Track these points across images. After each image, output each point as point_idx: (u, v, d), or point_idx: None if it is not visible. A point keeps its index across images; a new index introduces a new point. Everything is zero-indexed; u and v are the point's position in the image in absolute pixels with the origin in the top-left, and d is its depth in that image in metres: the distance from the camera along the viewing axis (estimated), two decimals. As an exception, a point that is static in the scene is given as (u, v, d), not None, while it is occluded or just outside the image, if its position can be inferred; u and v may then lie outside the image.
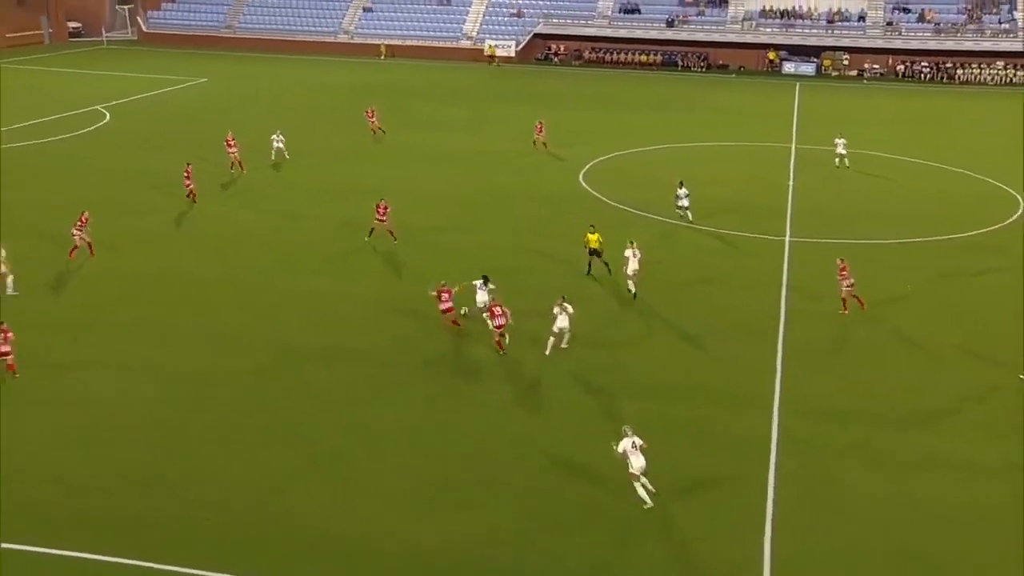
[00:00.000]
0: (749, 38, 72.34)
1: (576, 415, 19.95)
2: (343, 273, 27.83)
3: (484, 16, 78.40)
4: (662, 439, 18.34)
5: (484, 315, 22.93)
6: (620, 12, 76.19)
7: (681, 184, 32.81)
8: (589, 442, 18.52)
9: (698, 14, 74.83)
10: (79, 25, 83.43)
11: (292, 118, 49.11)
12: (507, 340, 22.57)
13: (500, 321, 22.32)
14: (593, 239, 26.96)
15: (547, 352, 22.17)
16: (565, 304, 22.33)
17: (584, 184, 37.66)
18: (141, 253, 29.03)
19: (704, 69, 73.12)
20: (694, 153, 44.45)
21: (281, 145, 40.20)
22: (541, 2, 78.20)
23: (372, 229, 29.64)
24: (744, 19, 73.50)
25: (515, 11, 77.71)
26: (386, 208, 29.61)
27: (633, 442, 16.83)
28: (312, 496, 16.83)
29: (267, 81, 63.64)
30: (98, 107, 52.23)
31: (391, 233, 29.68)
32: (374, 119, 45.57)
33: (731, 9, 75.07)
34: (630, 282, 25.72)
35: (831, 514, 16.70)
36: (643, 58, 74.41)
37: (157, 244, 29.82)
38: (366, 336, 23.58)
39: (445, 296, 23.21)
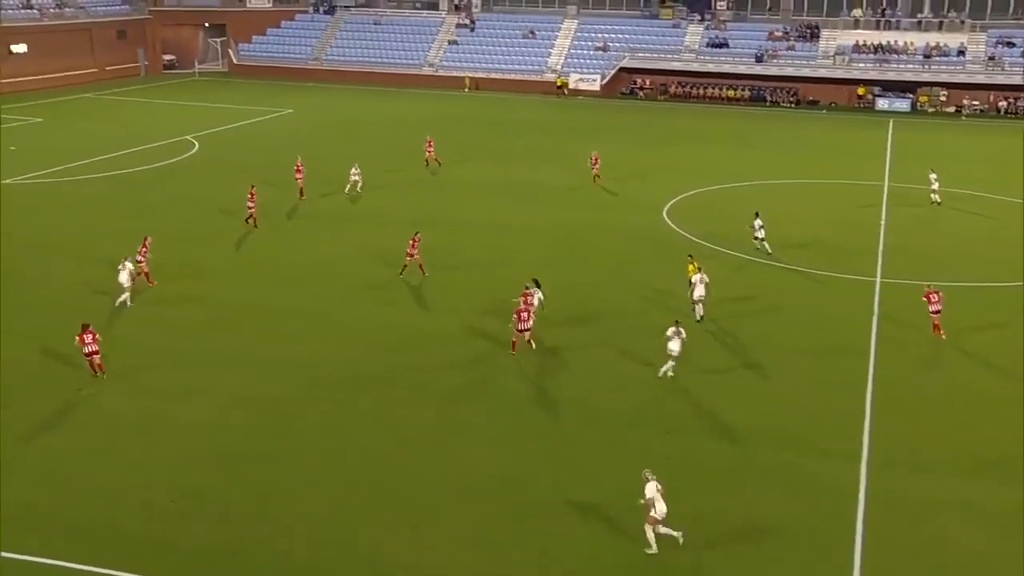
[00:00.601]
0: (840, 73, 71.27)
1: (659, 459, 19.16)
2: (413, 304, 28.07)
3: (569, 49, 79.03)
4: (739, 483, 17.83)
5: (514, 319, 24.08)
6: (707, 46, 75.92)
7: (757, 215, 33.62)
8: (672, 491, 17.27)
9: (788, 48, 74.06)
10: (173, 57, 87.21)
11: (372, 149, 50.16)
12: (533, 345, 23.98)
13: (526, 325, 23.72)
14: (693, 270, 27.27)
15: (660, 374, 22.76)
16: (680, 328, 22.94)
17: (667, 220, 37.68)
18: (212, 281, 29.76)
19: (793, 105, 72.31)
20: (782, 190, 44.14)
21: (357, 178, 40.75)
22: (627, 36, 78.49)
23: (404, 266, 29.45)
24: (836, 53, 72.44)
25: (600, 45, 78.12)
26: (416, 242, 29.41)
27: (657, 486, 16.43)
28: (389, 530, 16.78)
29: (351, 112, 65.10)
30: (188, 137, 54.17)
31: (421, 268, 29.72)
32: (431, 150, 46.20)
33: (822, 44, 74.06)
34: (697, 307, 26.23)
35: (926, 574, 15.98)
36: (730, 93, 73.97)
37: (229, 272, 30.60)
38: (444, 370, 23.63)
39: (524, 315, 23.76)
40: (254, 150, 50.32)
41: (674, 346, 22.59)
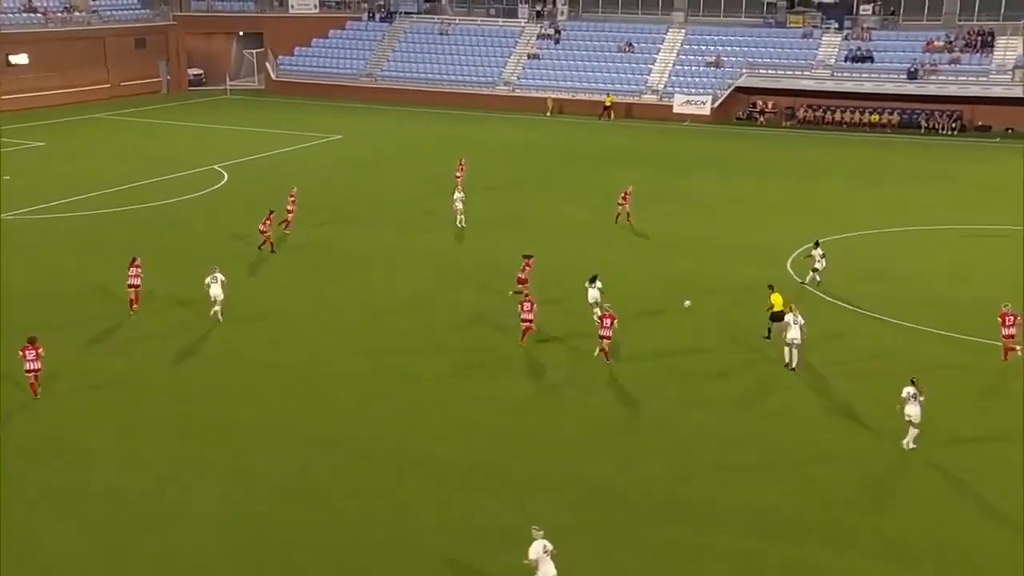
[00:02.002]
0: (1021, 92, 70.22)
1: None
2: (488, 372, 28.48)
3: (674, 65, 79.82)
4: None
5: (594, 318, 29.38)
6: (847, 60, 75.74)
7: (817, 244, 36.40)
8: None
9: (951, 62, 73.40)
10: (200, 72, 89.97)
11: (435, 183, 51.18)
12: (610, 351, 28.58)
13: (606, 333, 28.41)
14: (778, 301, 30.06)
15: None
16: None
17: (792, 274, 37.83)
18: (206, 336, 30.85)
19: (956, 131, 71.50)
20: (941, 239, 43.99)
21: (460, 206, 43.42)
22: (745, 48, 78.93)
23: (514, 291, 33.20)
24: (1016, 67, 71.49)
25: (713, 59, 78.61)
26: (528, 266, 34.09)
27: (544, 545, 17.48)
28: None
29: (409, 139, 66.34)
30: (216, 166, 55.78)
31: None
32: (461, 174, 48.70)
33: (997, 54, 73.31)
34: (788, 351, 28.27)
35: None
36: (875, 118, 73.51)
37: (284, 317, 31.84)
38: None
39: (527, 307, 29.66)
40: (294, 182, 50.89)
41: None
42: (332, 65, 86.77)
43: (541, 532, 17.70)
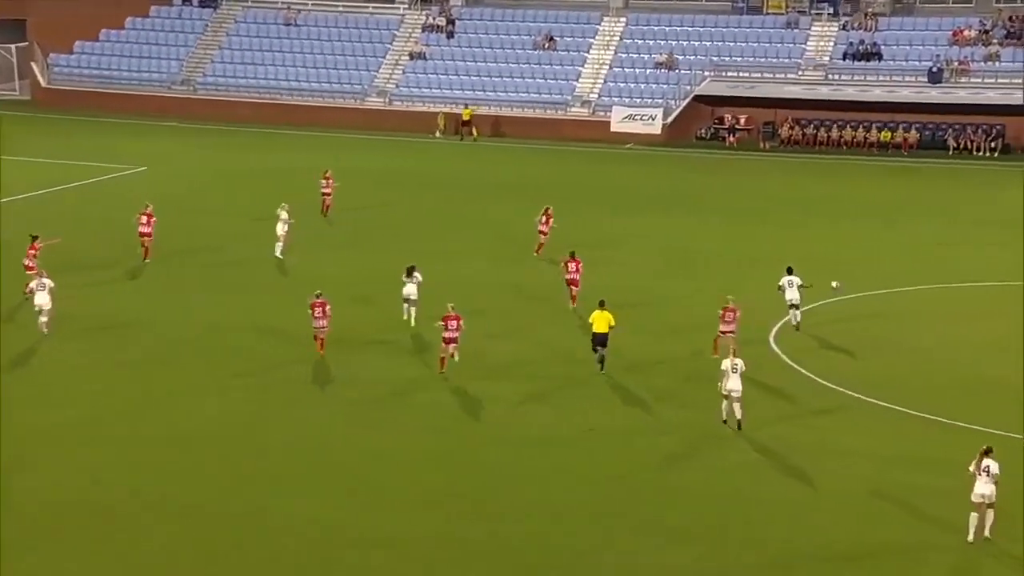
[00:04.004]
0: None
1: None
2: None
3: (611, 67, 79.79)
4: None
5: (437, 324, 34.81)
6: (846, 58, 76.26)
7: (790, 271, 39.41)
8: None
9: (987, 59, 73.96)
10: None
11: (263, 228, 49.61)
12: (456, 358, 34.24)
13: (451, 335, 34.06)
14: (600, 321, 34.92)
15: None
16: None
17: (777, 349, 38.39)
18: None
19: (996, 152, 72.03)
20: (978, 300, 44.18)
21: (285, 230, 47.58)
22: (707, 43, 79.29)
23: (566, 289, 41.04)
24: (1078, 64, 72.25)
25: (663, 58, 78.55)
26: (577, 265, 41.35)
27: None
28: None
29: (239, 172, 64.99)
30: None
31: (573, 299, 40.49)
32: (329, 189, 54.09)
33: (1049, 50, 74.20)
34: (727, 405, 31.53)
35: None
36: (886, 136, 73.83)
37: None
38: None
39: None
40: (76, 236, 48.80)
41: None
42: (130, 67, 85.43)
43: None
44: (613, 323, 34.88)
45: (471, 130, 76.51)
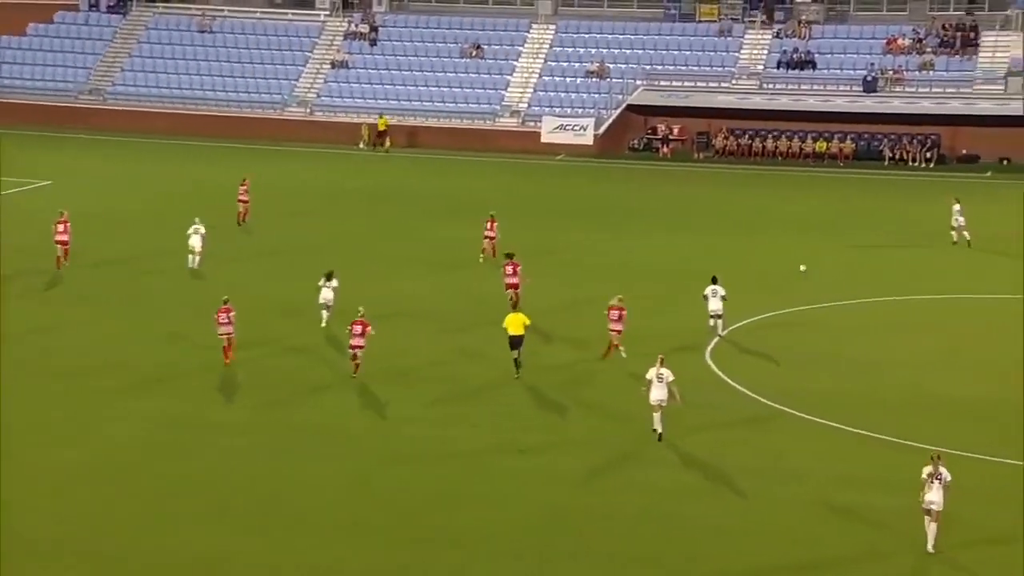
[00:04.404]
0: (1020, 108, 71.75)
1: None
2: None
3: (541, 76, 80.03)
4: None
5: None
6: (780, 67, 76.90)
7: (715, 280, 40.31)
8: None
9: (922, 68, 74.89)
10: None
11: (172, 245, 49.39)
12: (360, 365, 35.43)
13: (358, 341, 35.28)
14: (514, 323, 36.02)
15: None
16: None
17: (712, 364, 38.55)
18: None
19: (931, 163, 72.88)
20: (913, 311, 44.73)
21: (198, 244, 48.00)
22: (639, 52, 79.66)
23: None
24: (1010, 74, 73.15)
25: (594, 66, 78.81)
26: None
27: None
28: None
29: (153, 186, 64.43)
30: None
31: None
32: (246, 197, 55.09)
33: (983, 57, 75.09)
34: (659, 416, 31.87)
35: None
36: (821, 146, 74.44)
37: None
38: None
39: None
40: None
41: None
42: (34, 76, 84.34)
43: None
44: (528, 323, 36.04)
45: (385, 140, 76.38)
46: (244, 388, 35.47)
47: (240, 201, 55.04)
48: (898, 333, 42.00)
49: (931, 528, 25.80)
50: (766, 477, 29.96)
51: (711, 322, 40.08)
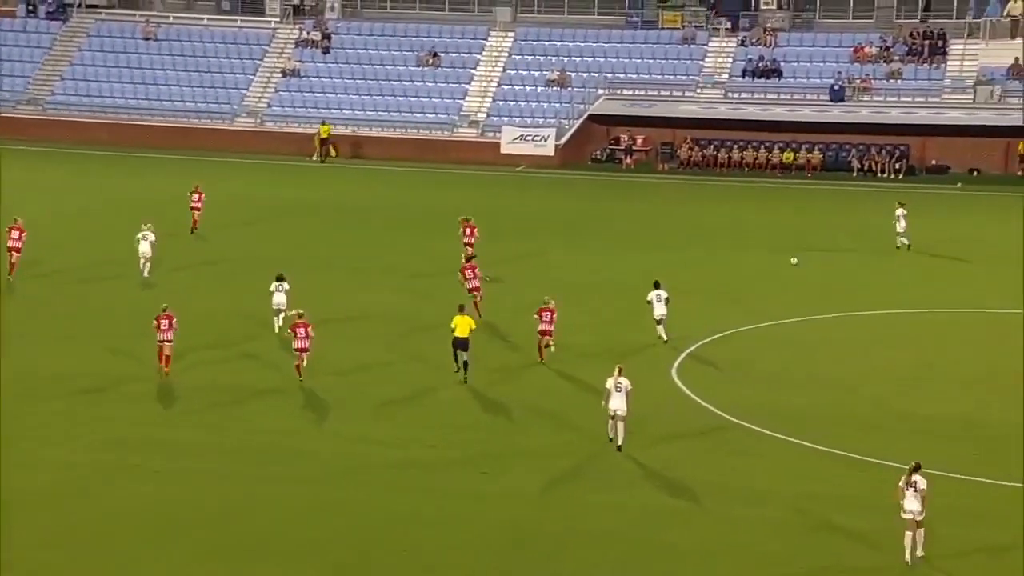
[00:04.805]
0: (988, 117, 72.40)
1: None
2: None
3: (499, 84, 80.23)
4: None
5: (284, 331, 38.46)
6: (745, 75, 77.19)
7: (657, 285, 41.16)
8: None
9: (890, 76, 75.36)
10: None
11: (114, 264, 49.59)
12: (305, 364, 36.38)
13: (302, 344, 36.25)
14: (462, 325, 36.95)
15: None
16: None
17: (679, 382, 38.61)
18: None
19: (900, 174, 73.33)
20: (883, 326, 44.96)
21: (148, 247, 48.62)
22: (602, 59, 79.85)
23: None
24: (978, 83, 73.68)
25: (555, 75, 78.96)
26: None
27: None
28: None
29: (96, 200, 64.22)
30: None
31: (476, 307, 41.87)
32: (199, 205, 56.34)
33: (951, 65, 75.59)
34: (614, 425, 32.53)
35: None
36: (788, 157, 74.76)
37: None
38: None
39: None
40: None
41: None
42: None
43: None
44: (474, 326, 37.32)
45: (329, 150, 76.27)
46: (192, 399, 35.62)
47: (193, 208, 55.81)
48: (868, 348, 42.22)
49: (908, 538, 26.26)
50: (731, 495, 30.03)
51: (658, 327, 40.92)
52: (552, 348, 38.76)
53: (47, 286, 47.79)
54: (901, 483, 26.58)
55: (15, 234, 47.92)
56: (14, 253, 47.72)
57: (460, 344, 36.72)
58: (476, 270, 43.47)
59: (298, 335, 36.23)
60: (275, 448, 32.34)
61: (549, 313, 38.61)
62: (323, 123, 76.88)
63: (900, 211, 54.52)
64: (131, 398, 35.83)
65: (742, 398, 36.61)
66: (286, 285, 40.95)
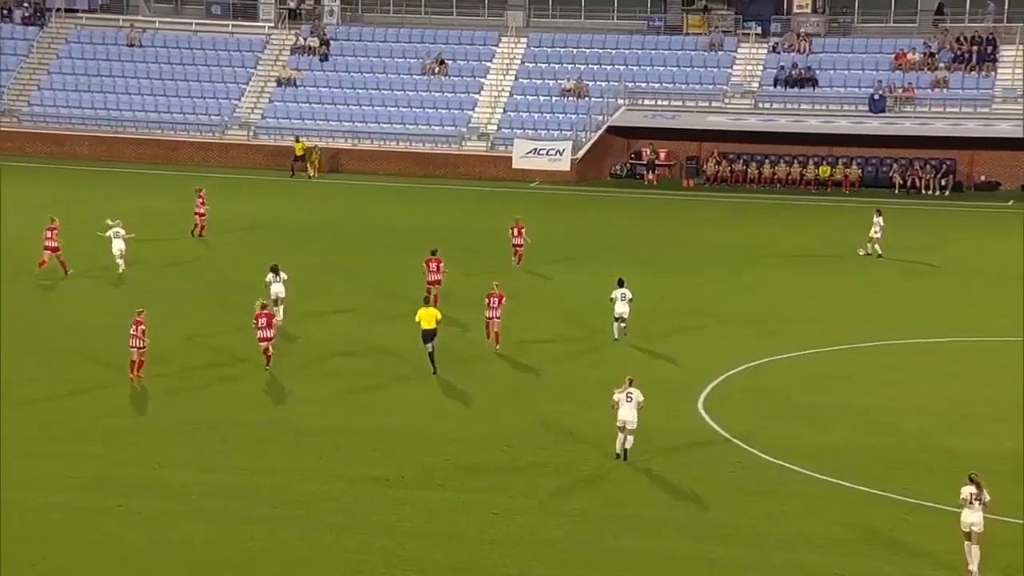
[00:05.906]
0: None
1: None
2: None
3: (511, 94, 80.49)
4: None
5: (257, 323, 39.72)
6: (777, 84, 77.38)
7: (621, 283, 44.06)
8: None
9: (934, 85, 75.39)
10: None
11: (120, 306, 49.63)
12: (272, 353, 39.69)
13: (266, 333, 39.22)
14: (427, 317, 39.65)
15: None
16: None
17: (706, 416, 38.44)
18: None
19: (946, 191, 73.40)
20: (928, 356, 44.87)
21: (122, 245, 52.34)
22: (622, 67, 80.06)
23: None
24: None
25: (571, 84, 79.11)
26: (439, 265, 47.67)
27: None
28: None
29: (75, 217, 63.46)
30: None
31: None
32: (203, 210, 59.36)
33: (1002, 73, 75.60)
34: (622, 438, 33.67)
35: None
36: (824, 172, 74.92)
37: None
38: None
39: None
40: None
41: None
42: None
43: None
44: (440, 318, 40.20)
45: (305, 166, 76.37)
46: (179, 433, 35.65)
47: (197, 214, 58.92)
48: (910, 381, 41.78)
49: (973, 551, 27.15)
50: (763, 539, 29.86)
51: (616, 325, 43.90)
52: (498, 348, 41.99)
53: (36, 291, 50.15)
54: (965, 494, 27.35)
55: (49, 234, 51.39)
56: (48, 252, 51.21)
57: (427, 336, 39.56)
58: (440, 264, 47.10)
59: (260, 324, 39.06)
60: (262, 487, 32.17)
61: (496, 299, 41.83)
62: (297, 139, 76.87)
63: (879, 219, 57.16)
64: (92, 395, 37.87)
65: (770, 434, 36.48)
66: (283, 275, 43.96)
